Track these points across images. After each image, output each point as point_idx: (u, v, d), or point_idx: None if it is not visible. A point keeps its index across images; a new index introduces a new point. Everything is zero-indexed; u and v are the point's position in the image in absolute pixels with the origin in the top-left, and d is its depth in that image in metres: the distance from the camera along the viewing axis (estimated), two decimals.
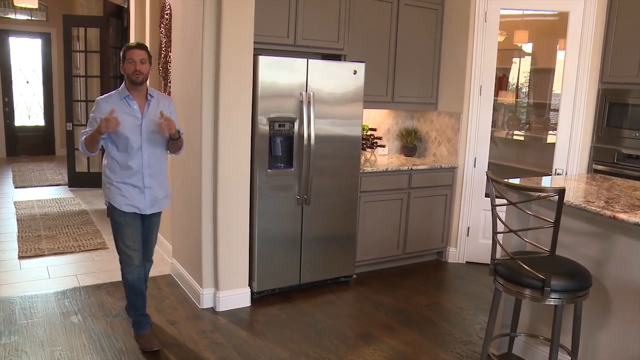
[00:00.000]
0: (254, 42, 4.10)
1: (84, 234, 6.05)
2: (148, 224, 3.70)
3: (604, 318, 3.19)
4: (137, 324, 3.69)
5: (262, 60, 4.13)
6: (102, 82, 6.75)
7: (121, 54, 3.50)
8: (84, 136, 3.46)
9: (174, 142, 3.58)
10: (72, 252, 5.45)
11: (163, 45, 5.28)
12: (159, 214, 3.74)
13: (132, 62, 3.43)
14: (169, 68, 5.08)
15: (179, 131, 3.54)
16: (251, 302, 4.37)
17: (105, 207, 3.77)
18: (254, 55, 4.09)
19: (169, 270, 4.97)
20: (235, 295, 4.28)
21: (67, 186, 8.54)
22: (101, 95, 3.82)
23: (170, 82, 5.03)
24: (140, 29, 5.85)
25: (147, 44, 5.70)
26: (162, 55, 5.32)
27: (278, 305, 4.40)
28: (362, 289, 4.82)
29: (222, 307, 4.22)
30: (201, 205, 4.16)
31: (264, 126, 4.21)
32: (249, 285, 4.39)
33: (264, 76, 4.15)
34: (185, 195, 4.53)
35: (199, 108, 4.07)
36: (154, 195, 3.62)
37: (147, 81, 3.60)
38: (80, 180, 8.47)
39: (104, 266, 5.11)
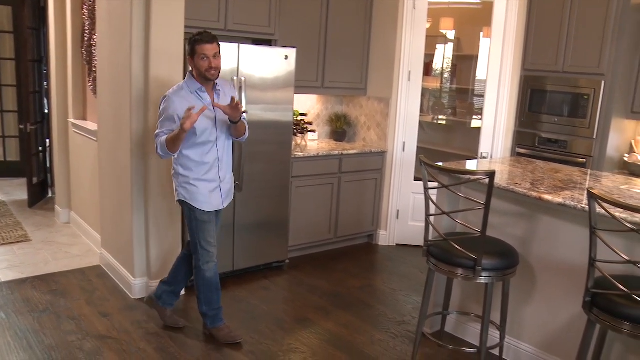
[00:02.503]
0: (185, 27, 4.01)
1: (3, 227, 5.74)
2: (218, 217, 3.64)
3: (529, 294, 3.37)
4: (212, 318, 3.63)
5: None
6: (19, 66, 6.39)
7: (189, 46, 3.30)
8: (163, 137, 3.28)
9: (235, 127, 3.43)
10: None
11: (86, 28, 5.07)
12: None
13: (206, 57, 3.25)
14: (94, 52, 4.89)
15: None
16: (185, 290, 4.31)
17: (177, 202, 3.57)
18: (184, 39, 4.00)
19: (98, 261, 4.82)
20: None
21: None
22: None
23: (95, 66, 4.85)
24: (60, 9, 5.57)
25: (69, 25, 5.47)
26: (86, 39, 5.11)
27: None
28: (296, 274, 4.85)
29: None
30: (132, 194, 4.05)
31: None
32: None
33: None
34: (114, 184, 4.39)
35: (128, 93, 3.94)
36: (227, 187, 3.56)
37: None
38: None
39: (28, 259, 4.88)
